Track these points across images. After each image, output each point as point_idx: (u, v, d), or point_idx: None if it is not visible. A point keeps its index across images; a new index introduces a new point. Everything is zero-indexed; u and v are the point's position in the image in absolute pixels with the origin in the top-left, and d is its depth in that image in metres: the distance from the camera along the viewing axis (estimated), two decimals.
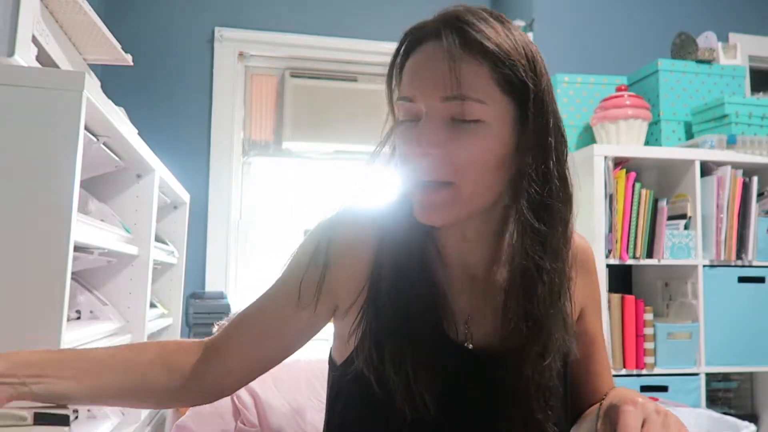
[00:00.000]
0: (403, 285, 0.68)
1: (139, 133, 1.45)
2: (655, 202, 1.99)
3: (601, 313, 0.84)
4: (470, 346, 0.71)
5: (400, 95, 0.67)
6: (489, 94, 0.62)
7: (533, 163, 0.64)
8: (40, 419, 0.56)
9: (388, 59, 0.80)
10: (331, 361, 0.79)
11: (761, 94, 2.36)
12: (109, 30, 1.40)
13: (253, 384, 0.94)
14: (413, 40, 0.68)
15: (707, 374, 1.96)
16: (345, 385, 0.73)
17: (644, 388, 1.88)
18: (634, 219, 1.95)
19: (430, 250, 0.73)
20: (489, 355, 0.71)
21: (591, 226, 1.90)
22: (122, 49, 1.50)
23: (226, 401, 0.96)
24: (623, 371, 1.90)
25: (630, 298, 1.94)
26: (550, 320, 0.66)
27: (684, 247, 1.96)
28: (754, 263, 2.00)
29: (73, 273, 1.22)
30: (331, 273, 0.72)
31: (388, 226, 0.71)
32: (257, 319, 0.75)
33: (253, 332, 0.74)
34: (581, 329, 0.79)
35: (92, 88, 1.01)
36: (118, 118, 1.20)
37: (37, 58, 1.09)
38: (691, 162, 1.99)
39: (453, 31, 0.63)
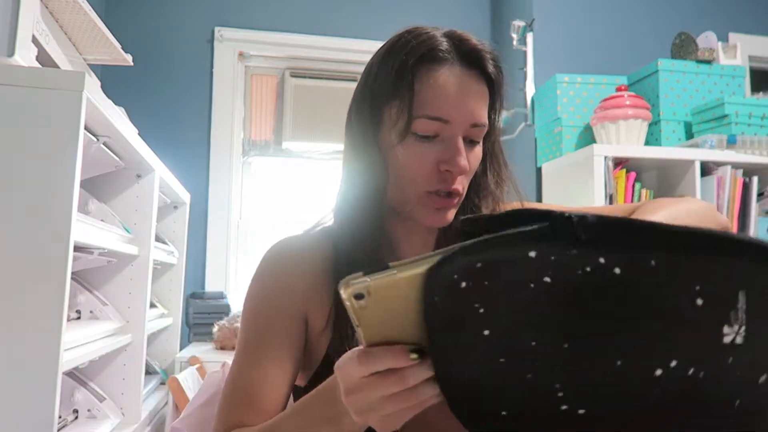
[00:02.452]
0: None
1: (139, 133, 1.45)
2: None
3: None
4: None
5: (430, 114, 0.71)
6: (487, 119, 0.76)
7: (496, 160, 0.81)
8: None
9: None
10: (295, 389, 0.79)
11: (761, 94, 2.36)
12: (109, 30, 1.40)
13: None
14: (429, 55, 0.73)
15: None
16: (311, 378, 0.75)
17: None
18: None
19: (384, 250, 0.78)
20: None
21: None
22: (122, 49, 1.51)
23: None
24: None
25: None
26: None
27: None
28: None
29: (73, 273, 1.22)
30: (290, 286, 0.75)
31: (341, 234, 0.76)
32: (268, 387, 0.72)
33: (272, 401, 0.72)
34: None
35: (92, 88, 1.01)
36: (118, 118, 1.20)
37: (37, 58, 1.09)
38: (691, 162, 1.99)
39: (478, 62, 0.74)
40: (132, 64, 1.61)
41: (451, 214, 0.75)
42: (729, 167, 1.99)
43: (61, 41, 1.29)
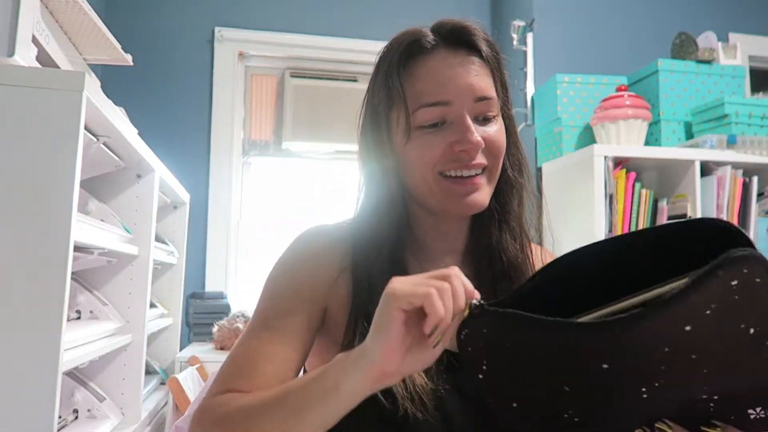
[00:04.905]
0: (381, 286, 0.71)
1: (139, 133, 1.45)
2: (655, 202, 1.99)
3: None
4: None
5: (427, 101, 0.72)
6: (494, 92, 0.74)
7: (511, 146, 0.78)
8: None
9: None
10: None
11: (761, 94, 2.36)
12: (109, 30, 1.40)
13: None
14: (415, 47, 0.74)
15: None
16: None
17: None
18: (634, 219, 1.95)
19: (407, 245, 0.77)
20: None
21: (591, 226, 1.90)
22: (122, 49, 1.50)
23: None
24: None
25: None
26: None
27: None
28: None
29: (73, 273, 1.22)
30: (316, 275, 0.74)
31: (360, 231, 0.75)
32: (278, 356, 0.70)
33: (280, 369, 0.70)
34: None
35: (92, 88, 1.01)
36: (118, 118, 1.20)
37: (37, 58, 1.09)
38: (691, 162, 1.99)
39: (463, 39, 0.74)
40: (132, 64, 1.61)
41: (480, 197, 0.73)
42: (729, 167, 1.99)
43: (61, 41, 1.29)
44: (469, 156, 0.71)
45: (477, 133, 0.70)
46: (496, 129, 0.74)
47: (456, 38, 0.74)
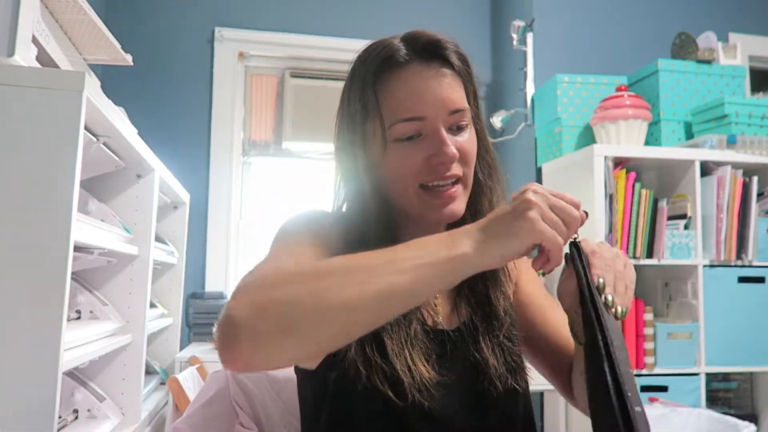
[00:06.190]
0: None
1: (139, 133, 1.45)
2: (655, 202, 1.99)
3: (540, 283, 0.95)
4: (442, 327, 0.78)
5: (403, 116, 0.73)
6: (466, 102, 0.77)
7: (482, 150, 0.80)
8: None
9: None
10: (300, 370, 0.79)
11: (761, 94, 2.36)
12: (109, 30, 1.40)
13: (250, 385, 0.94)
14: (386, 64, 0.75)
15: (707, 374, 1.96)
16: (331, 386, 0.73)
17: (644, 388, 1.88)
18: (634, 219, 1.95)
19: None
20: (453, 332, 0.78)
21: (591, 226, 1.90)
22: (122, 49, 1.50)
23: (226, 401, 0.96)
24: None
25: None
26: (495, 299, 0.81)
27: (684, 247, 1.96)
28: (754, 263, 2.00)
29: (73, 273, 1.22)
30: (324, 229, 0.75)
31: (350, 224, 0.77)
32: None
33: None
34: (523, 299, 0.90)
35: (92, 88, 1.01)
36: (118, 118, 1.20)
37: (37, 58, 1.09)
38: (691, 162, 1.99)
39: (436, 53, 0.75)
40: (132, 64, 1.61)
41: (457, 207, 0.76)
42: (729, 167, 1.99)
43: (61, 41, 1.28)
44: (445, 168, 0.74)
45: (452, 144, 0.73)
46: (467, 138, 0.76)
47: (429, 52, 0.75)
